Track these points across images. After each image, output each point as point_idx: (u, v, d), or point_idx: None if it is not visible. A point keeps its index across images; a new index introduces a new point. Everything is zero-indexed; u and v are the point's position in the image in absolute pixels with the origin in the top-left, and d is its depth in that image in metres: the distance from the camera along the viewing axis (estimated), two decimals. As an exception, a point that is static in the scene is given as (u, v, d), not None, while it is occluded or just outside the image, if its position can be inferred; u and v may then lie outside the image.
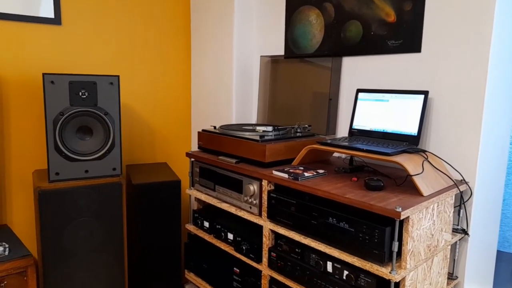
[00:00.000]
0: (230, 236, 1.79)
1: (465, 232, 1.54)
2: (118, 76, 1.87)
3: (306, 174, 1.51)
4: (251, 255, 1.68)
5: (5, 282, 1.69)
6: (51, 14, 2.09)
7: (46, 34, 2.10)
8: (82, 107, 1.81)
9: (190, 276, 2.05)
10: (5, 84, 2.01)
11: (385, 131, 1.66)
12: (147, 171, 2.23)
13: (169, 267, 2.14)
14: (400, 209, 1.15)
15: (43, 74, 1.72)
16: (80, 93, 1.80)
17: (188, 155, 1.98)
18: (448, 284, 1.53)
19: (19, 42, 2.03)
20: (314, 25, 2.03)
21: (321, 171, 1.57)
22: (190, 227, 2.03)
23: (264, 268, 1.63)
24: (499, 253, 2.00)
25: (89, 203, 1.85)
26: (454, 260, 1.57)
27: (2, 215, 2.07)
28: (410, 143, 1.55)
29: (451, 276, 1.58)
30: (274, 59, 2.26)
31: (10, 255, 1.73)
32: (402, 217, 1.15)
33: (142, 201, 2.02)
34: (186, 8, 2.60)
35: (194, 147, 2.73)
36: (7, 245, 1.76)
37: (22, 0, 1.99)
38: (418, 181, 1.31)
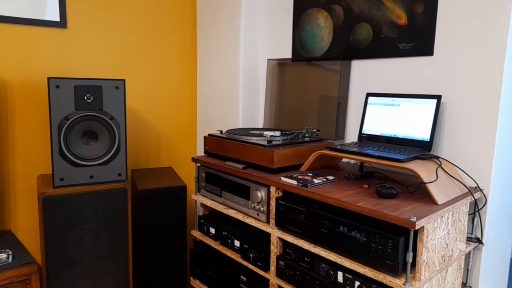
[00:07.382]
0: (237, 243, 1.75)
1: (479, 241, 1.49)
2: (124, 80, 1.84)
3: (315, 180, 1.47)
4: (258, 263, 1.64)
5: (9, 289, 1.66)
6: (56, 18, 2.07)
7: (51, 38, 2.08)
8: (87, 111, 1.78)
9: (195, 283, 2.02)
10: (10, 87, 2.00)
11: (395, 136, 1.61)
12: (152, 176, 2.20)
13: (174, 274, 2.11)
14: (415, 219, 1.10)
15: (48, 78, 1.69)
16: (86, 97, 1.77)
17: (194, 160, 1.95)
18: (462, 294, 1.48)
19: (24, 45, 2.01)
20: (323, 27, 1.99)
21: (330, 177, 1.53)
22: (196, 234, 1.99)
23: (272, 276, 1.59)
24: (513, 261, 1.95)
25: (94, 209, 1.82)
26: (468, 269, 1.53)
27: (6, 220, 2.05)
28: (422, 149, 1.51)
29: (464, 286, 1.53)
30: (281, 62, 2.22)
31: (14, 262, 1.70)
32: (417, 227, 1.10)
33: (148, 206, 1.99)
34: (192, 11, 2.58)
35: (200, 151, 2.70)
36: (10, 252, 1.73)
37: (28, 3, 1.97)
38: (433, 188, 1.26)
